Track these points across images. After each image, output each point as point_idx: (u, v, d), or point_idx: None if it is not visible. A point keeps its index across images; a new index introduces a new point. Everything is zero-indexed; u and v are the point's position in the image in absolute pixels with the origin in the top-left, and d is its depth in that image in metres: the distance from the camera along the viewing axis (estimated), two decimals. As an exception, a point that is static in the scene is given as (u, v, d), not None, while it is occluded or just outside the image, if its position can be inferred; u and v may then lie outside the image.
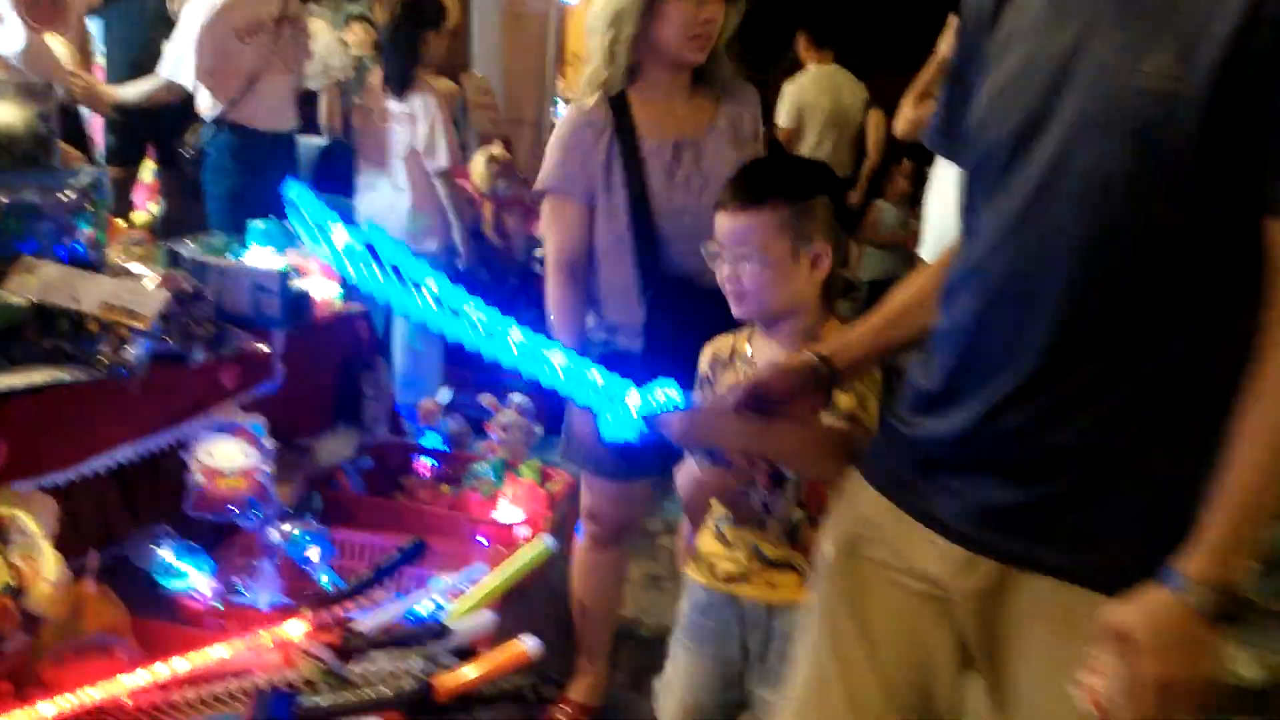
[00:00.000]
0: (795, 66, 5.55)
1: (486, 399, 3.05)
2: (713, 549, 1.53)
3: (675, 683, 1.57)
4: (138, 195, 3.77)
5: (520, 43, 5.00)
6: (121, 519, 1.77)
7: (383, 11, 4.05)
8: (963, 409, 1.08)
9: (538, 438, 3.00)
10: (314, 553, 2.01)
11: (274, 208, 2.83)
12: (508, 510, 2.39)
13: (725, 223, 1.42)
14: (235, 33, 3.16)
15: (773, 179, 1.48)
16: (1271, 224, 0.95)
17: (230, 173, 3.25)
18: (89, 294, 1.62)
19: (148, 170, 3.80)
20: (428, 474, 2.69)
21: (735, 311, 1.47)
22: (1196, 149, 0.94)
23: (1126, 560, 1.01)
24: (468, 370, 3.73)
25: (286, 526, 2.05)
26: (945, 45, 1.79)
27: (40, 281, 1.64)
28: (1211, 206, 0.96)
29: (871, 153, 6.08)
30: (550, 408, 3.60)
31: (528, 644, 1.35)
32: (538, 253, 4.64)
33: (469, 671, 1.34)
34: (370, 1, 4.60)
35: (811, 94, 5.30)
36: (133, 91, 3.26)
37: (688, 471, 1.49)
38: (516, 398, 3.03)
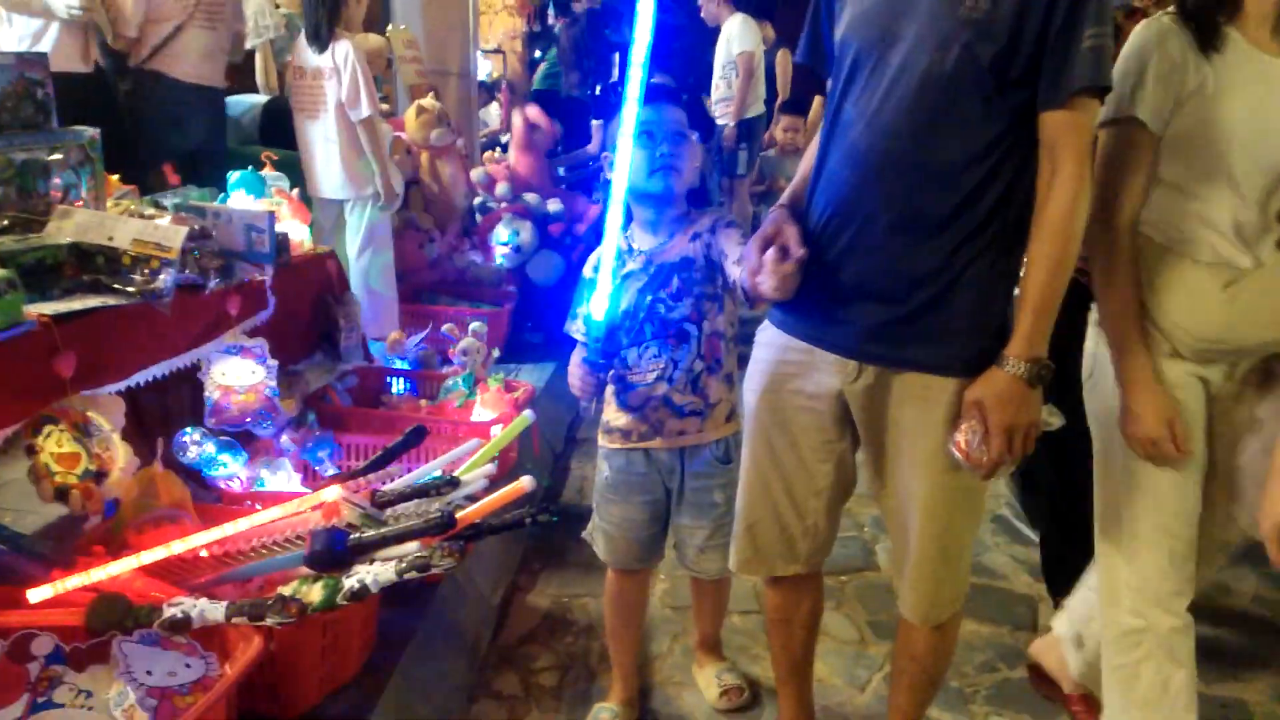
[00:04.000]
0: None
1: (448, 327, 3.37)
2: (621, 418, 1.86)
3: (609, 528, 1.93)
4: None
5: (440, -4, 5.19)
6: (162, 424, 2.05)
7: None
8: (847, 255, 1.48)
9: (494, 360, 3.34)
10: (324, 452, 2.34)
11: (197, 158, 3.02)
12: (482, 412, 2.74)
13: (666, 111, 1.75)
14: None
15: (675, 90, 1.84)
16: (1044, 115, 1.39)
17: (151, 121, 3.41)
18: (121, 232, 1.89)
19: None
20: (404, 392, 3.01)
21: (662, 185, 1.74)
22: (999, 60, 1.36)
23: (960, 350, 1.46)
24: (424, 305, 4.04)
25: (297, 434, 2.37)
26: None
27: (75, 224, 1.90)
28: (1008, 101, 1.39)
29: (781, 90, 6.55)
30: (505, 333, 3.96)
31: (525, 481, 1.70)
32: (476, 200, 4.92)
33: (482, 505, 1.70)
34: (299, -37, 4.72)
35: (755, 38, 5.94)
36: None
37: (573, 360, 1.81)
38: (474, 325, 3.35)
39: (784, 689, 1.89)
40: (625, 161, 1.66)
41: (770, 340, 1.64)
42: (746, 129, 6.19)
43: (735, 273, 1.69)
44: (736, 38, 6.03)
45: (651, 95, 1.74)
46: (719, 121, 6.33)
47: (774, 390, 1.62)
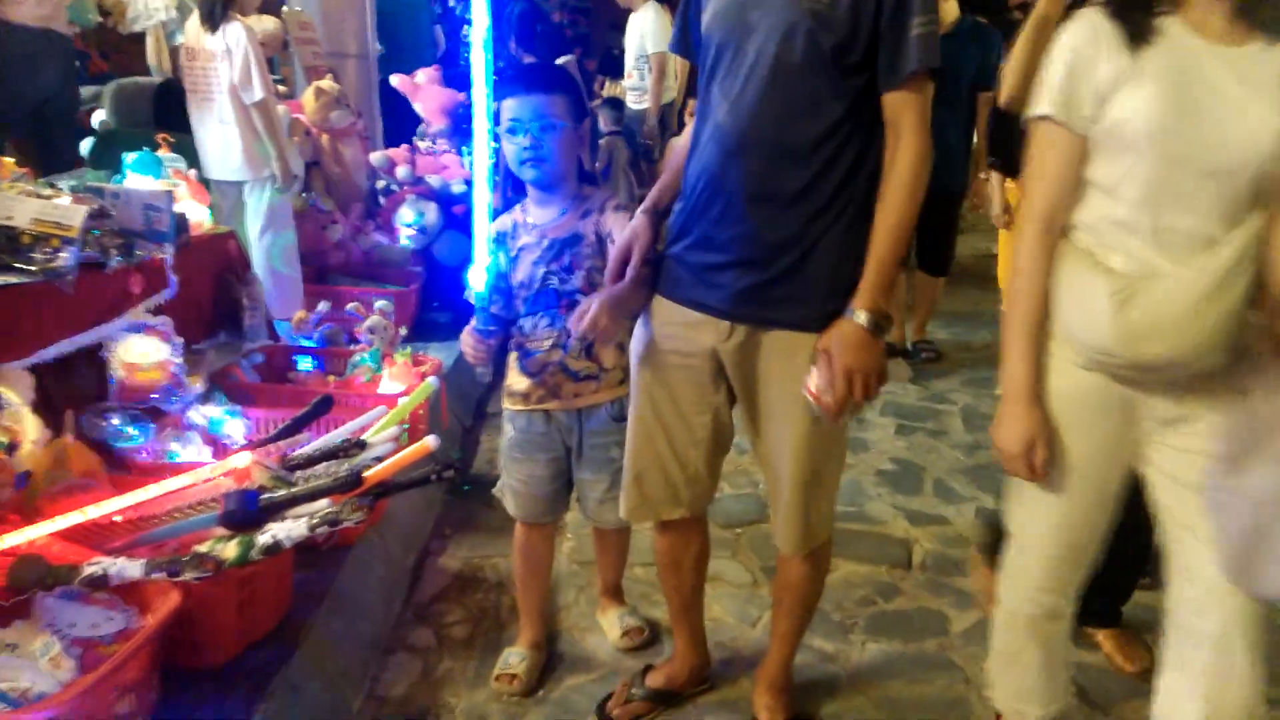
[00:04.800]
0: None
1: (354, 306, 3.43)
2: (521, 382, 2.00)
3: (516, 484, 2.07)
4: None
5: (337, -23, 5.16)
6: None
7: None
8: (716, 225, 1.64)
9: (401, 338, 3.41)
10: (232, 426, 2.40)
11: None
12: (390, 385, 2.82)
13: (531, 101, 1.83)
14: None
15: (556, 74, 1.97)
16: (885, 96, 1.57)
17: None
18: (20, 211, 1.92)
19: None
20: (311, 370, 3.06)
21: (531, 175, 1.86)
22: (839, 48, 1.54)
23: (818, 309, 1.63)
24: (329, 286, 4.07)
25: (204, 409, 2.43)
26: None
27: (-28, 205, 1.93)
28: (850, 84, 1.57)
29: (681, 76, 6.74)
30: (413, 313, 4.02)
31: (429, 441, 1.81)
32: (379, 183, 4.94)
33: (388, 464, 1.80)
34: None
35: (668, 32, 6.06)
36: None
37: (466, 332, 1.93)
38: (380, 303, 3.42)
39: (678, 626, 2.06)
40: (483, 145, 1.78)
41: (650, 305, 1.79)
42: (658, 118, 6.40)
43: None
44: (650, 35, 6.06)
45: (523, 83, 1.86)
46: (634, 108, 6.50)
47: (655, 350, 1.77)
